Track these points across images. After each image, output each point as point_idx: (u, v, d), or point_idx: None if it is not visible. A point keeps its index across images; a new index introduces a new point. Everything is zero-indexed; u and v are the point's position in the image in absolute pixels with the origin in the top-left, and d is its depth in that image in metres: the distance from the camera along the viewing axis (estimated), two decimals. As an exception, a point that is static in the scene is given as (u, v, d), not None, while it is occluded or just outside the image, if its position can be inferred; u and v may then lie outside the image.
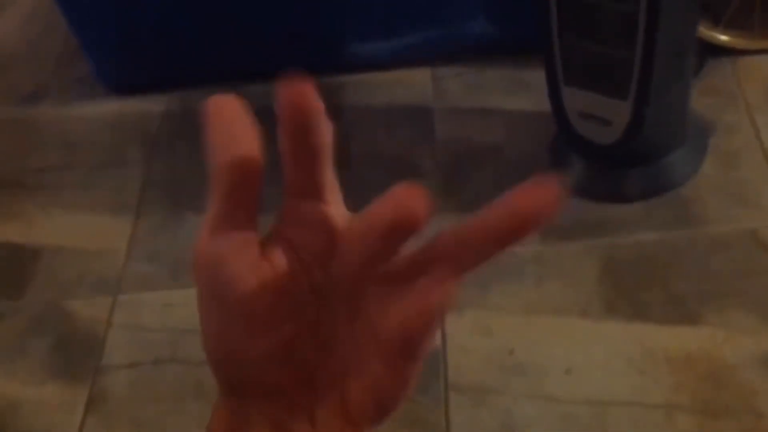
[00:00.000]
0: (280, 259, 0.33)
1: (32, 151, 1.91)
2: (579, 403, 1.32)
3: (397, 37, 1.85)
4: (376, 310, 0.33)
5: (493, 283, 1.47)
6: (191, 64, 1.93)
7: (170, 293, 1.56)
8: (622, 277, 1.46)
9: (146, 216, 1.72)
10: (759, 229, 1.49)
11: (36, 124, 1.97)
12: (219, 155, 0.31)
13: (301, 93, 0.30)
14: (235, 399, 0.35)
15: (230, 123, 0.32)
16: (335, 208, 0.34)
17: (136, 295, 1.59)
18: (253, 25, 1.83)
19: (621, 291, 1.44)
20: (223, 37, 1.88)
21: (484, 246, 0.31)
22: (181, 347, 1.48)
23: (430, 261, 0.32)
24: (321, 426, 0.34)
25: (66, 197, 1.79)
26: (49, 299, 1.61)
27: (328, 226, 0.34)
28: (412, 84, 1.86)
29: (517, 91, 1.78)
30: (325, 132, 0.32)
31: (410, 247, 0.31)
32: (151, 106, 1.93)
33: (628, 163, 1.56)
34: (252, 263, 0.32)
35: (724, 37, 1.72)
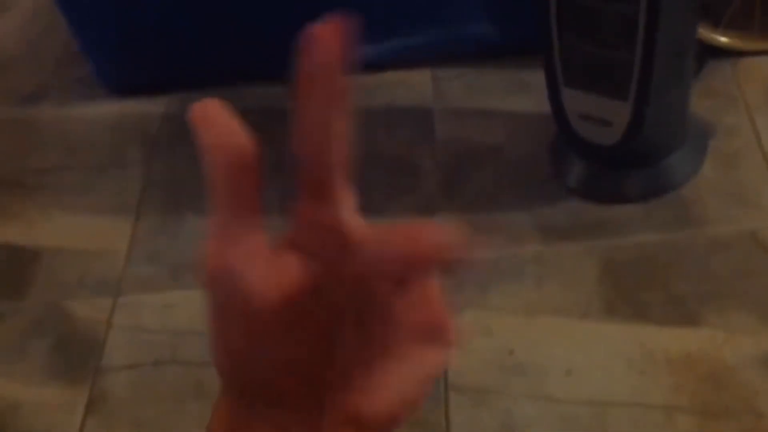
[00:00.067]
0: (292, 267, 0.32)
1: (32, 151, 1.91)
2: (579, 403, 1.32)
3: (398, 38, 1.85)
4: (385, 319, 0.33)
5: (493, 283, 1.47)
6: (191, 65, 1.93)
7: (170, 294, 1.56)
8: (623, 277, 1.46)
9: (146, 217, 1.72)
10: (759, 230, 1.49)
11: (36, 124, 1.97)
12: (212, 156, 0.31)
13: (332, 34, 0.30)
14: (239, 402, 0.35)
15: (217, 124, 0.31)
16: (349, 212, 0.33)
17: (137, 296, 1.59)
18: (253, 25, 1.83)
19: (621, 291, 1.44)
20: (223, 38, 1.88)
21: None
22: (181, 348, 1.48)
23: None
24: None
25: (66, 198, 1.79)
26: (50, 300, 1.61)
27: (341, 234, 0.33)
28: (412, 84, 1.86)
29: (517, 92, 1.78)
30: (344, 84, 0.31)
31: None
32: (152, 106, 1.92)
33: (628, 163, 1.56)
34: (267, 275, 0.32)
35: (724, 39, 1.72)
